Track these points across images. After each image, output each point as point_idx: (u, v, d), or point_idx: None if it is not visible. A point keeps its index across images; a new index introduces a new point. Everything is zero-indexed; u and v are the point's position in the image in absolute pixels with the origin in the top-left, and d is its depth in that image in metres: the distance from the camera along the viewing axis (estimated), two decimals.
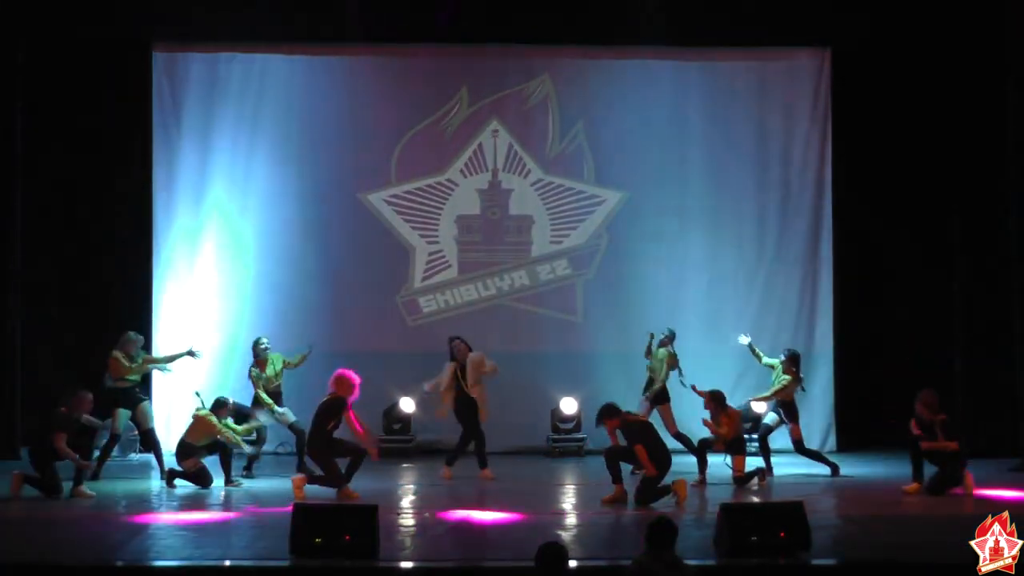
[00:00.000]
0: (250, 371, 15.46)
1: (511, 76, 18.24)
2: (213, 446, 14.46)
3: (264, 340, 15.61)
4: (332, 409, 13.72)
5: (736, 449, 14.49)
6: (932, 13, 17.47)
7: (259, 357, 15.45)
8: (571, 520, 12.44)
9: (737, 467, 14.43)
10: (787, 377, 15.33)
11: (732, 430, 14.53)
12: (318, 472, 13.92)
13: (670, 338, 15.70)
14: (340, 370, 13.96)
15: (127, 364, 15.22)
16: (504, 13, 17.56)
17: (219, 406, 14.64)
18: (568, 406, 17.33)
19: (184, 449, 14.39)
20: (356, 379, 13.85)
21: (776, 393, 15.34)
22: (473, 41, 18.06)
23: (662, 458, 13.10)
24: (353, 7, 17.46)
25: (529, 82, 18.22)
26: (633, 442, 13.17)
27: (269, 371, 15.45)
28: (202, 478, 14.28)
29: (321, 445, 13.73)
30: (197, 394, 14.92)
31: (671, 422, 15.58)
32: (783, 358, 15.52)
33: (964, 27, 17.30)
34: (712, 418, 14.63)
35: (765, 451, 15.43)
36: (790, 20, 17.67)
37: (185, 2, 17.37)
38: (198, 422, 14.47)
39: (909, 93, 17.82)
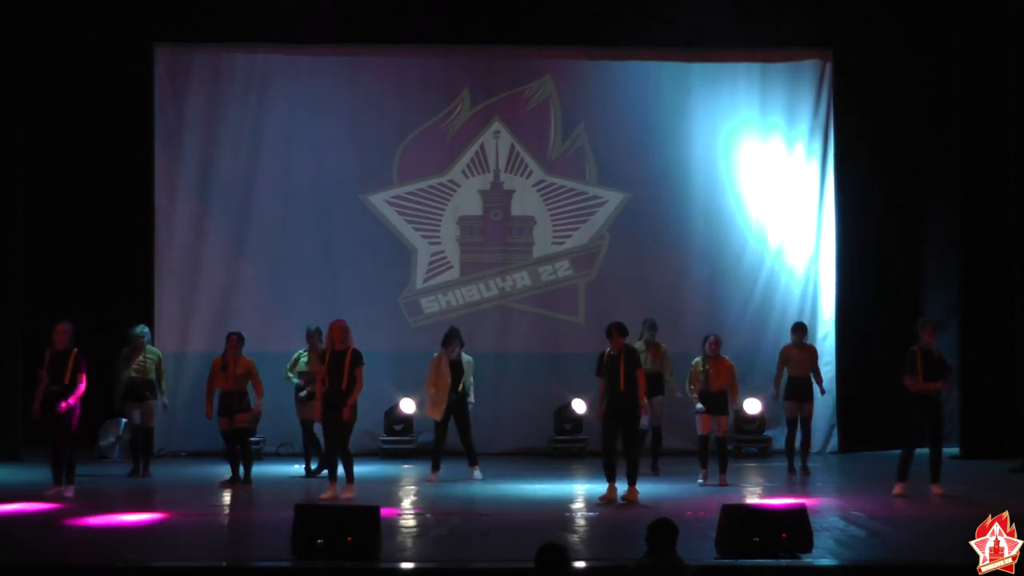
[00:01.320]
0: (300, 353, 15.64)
1: (513, 77, 18.25)
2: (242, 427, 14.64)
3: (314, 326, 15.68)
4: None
5: (724, 408, 14.68)
6: (933, 14, 17.51)
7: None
8: (572, 520, 12.43)
9: (724, 427, 14.71)
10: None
11: (724, 381, 14.67)
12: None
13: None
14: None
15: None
16: (506, 14, 17.59)
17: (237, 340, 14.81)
18: (579, 406, 17.30)
19: (228, 402, 14.58)
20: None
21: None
22: (475, 42, 18.08)
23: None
24: (356, 7, 17.54)
25: (531, 83, 18.23)
26: (636, 367, 13.45)
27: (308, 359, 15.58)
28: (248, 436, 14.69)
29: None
30: None
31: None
32: (793, 336, 15.70)
33: (965, 28, 17.33)
34: (711, 358, 14.70)
35: (791, 450, 15.60)
36: (792, 21, 17.70)
37: (187, 0, 17.42)
38: (215, 366, 14.73)
39: (910, 93, 17.85)
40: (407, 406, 17.23)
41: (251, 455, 14.85)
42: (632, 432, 13.54)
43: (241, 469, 14.65)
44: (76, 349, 13.66)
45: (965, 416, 17.22)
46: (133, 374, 15.38)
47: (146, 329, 15.75)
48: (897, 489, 13.62)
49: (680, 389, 15.40)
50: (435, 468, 15.00)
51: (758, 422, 17.39)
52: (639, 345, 15.27)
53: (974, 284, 17.37)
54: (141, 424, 15.47)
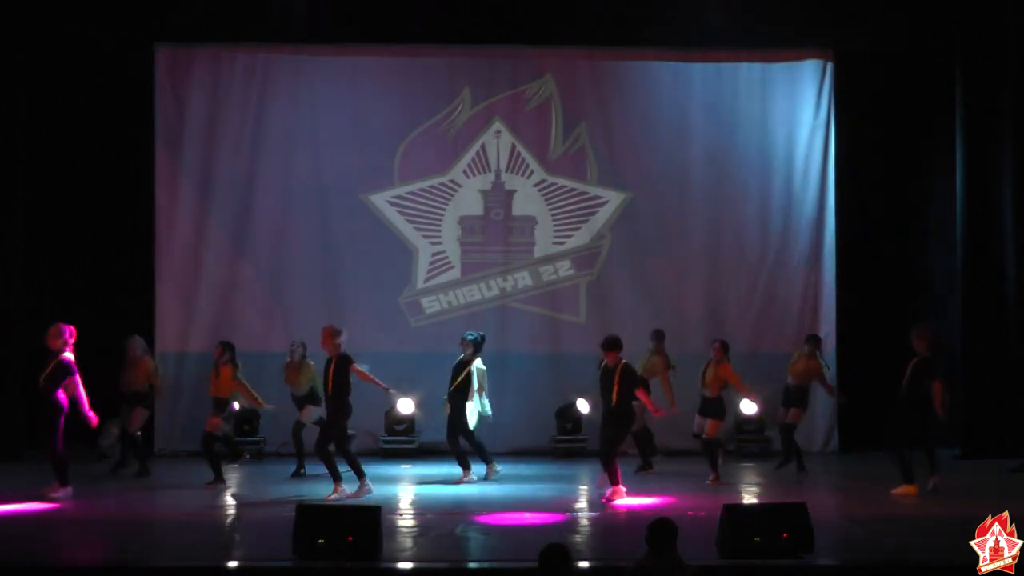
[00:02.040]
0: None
1: (514, 77, 18.25)
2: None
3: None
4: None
5: (713, 412, 14.87)
6: (934, 14, 17.51)
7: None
8: (573, 520, 12.44)
9: (710, 430, 14.87)
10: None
11: (715, 389, 14.91)
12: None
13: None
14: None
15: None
16: (507, 14, 17.58)
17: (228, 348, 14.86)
18: (582, 407, 17.29)
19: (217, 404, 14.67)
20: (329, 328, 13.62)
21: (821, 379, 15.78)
22: (476, 42, 18.07)
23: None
24: (356, 7, 17.54)
25: (532, 83, 18.23)
26: (633, 386, 13.61)
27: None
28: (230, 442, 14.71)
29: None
30: None
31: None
32: (806, 347, 15.76)
33: (965, 28, 17.33)
34: (711, 363, 14.96)
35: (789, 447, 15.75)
36: (792, 21, 17.69)
37: (188, 0, 17.43)
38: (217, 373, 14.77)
39: (911, 93, 17.86)
40: (404, 406, 17.19)
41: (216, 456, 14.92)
42: (611, 439, 13.67)
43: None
44: (61, 357, 13.53)
45: (965, 416, 17.20)
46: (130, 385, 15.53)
47: (139, 339, 15.86)
48: (913, 490, 13.63)
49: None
50: (466, 467, 15.06)
51: (757, 422, 17.38)
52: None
53: (974, 284, 17.37)
54: (128, 428, 15.57)
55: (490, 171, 18.21)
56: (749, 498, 13.82)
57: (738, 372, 16.59)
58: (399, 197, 18.15)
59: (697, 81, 18.23)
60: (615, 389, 13.47)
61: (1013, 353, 17.02)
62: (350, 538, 9.99)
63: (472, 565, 10.34)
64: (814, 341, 15.98)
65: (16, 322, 16.93)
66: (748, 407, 16.46)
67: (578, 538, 11.35)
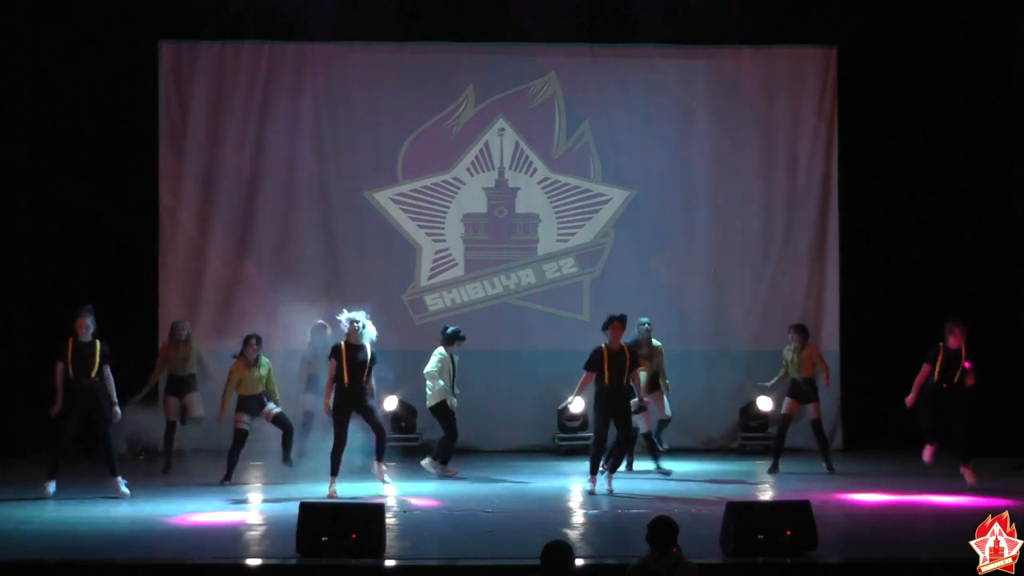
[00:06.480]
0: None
1: (518, 74, 18.24)
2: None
3: None
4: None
5: (814, 394, 15.33)
6: (937, 10, 17.50)
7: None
8: (575, 518, 12.45)
9: (815, 412, 15.32)
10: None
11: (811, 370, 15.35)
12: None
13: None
14: None
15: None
16: (511, 11, 17.59)
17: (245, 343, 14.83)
18: (578, 405, 17.26)
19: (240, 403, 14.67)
20: None
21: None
22: (480, 39, 18.08)
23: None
24: (360, 5, 17.55)
25: (536, 80, 18.23)
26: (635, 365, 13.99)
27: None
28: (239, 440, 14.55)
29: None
30: None
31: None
32: (794, 343, 15.57)
33: (970, 24, 17.33)
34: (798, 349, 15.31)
35: (780, 444, 15.57)
36: (796, 17, 17.70)
37: None
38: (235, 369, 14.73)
39: (915, 90, 17.84)
40: (389, 404, 17.19)
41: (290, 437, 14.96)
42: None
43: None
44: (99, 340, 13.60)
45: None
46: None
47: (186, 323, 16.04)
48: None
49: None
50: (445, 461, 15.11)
51: (763, 420, 17.37)
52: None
53: (979, 280, 17.37)
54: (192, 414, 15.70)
55: (494, 169, 18.21)
56: (753, 495, 13.82)
57: (742, 369, 16.66)
58: (403, 195, 18.16)
59: (701, 78, 18.23)
60: (627, 370, 13.99)
61: (1015, 349, 17.00)
62: (354, 535, 9.99)
63: (475, 562, 10.34)
64: (800, 331, 15.75)
65: (21, 319, 16.95)
66: (765, 404, 16.45)
67: (580, 535, 11.36)
